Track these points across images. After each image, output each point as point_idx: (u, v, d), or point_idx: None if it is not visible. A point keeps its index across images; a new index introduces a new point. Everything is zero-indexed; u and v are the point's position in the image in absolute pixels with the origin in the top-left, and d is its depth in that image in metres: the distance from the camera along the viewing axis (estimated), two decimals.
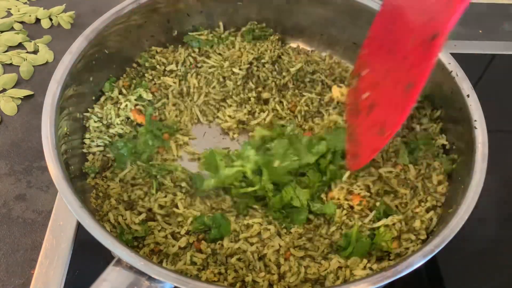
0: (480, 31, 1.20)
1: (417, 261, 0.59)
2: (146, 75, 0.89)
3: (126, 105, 0.83)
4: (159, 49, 0.92)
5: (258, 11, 0.96)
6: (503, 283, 0.77)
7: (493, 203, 0.87)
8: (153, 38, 0.91)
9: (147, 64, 0.89)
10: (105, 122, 0.81)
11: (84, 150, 0.79)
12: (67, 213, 0.78)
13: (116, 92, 0.85)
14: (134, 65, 0.90)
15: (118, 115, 0.82)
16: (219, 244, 0.69)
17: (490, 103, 1.02)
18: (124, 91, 0.86)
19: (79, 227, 0.76)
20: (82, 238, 0.75)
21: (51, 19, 1.11)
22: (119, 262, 0.57)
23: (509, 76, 1.08)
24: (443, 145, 0.81)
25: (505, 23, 1.23)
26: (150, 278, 0.55)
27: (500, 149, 0.95)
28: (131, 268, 0.56)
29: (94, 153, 0.79)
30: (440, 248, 0.61)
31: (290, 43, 0.99)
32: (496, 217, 0.85)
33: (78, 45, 0.76)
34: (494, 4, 1.28)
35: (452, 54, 0.80)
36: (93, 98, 0.84)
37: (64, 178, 0.63)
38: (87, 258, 0.73)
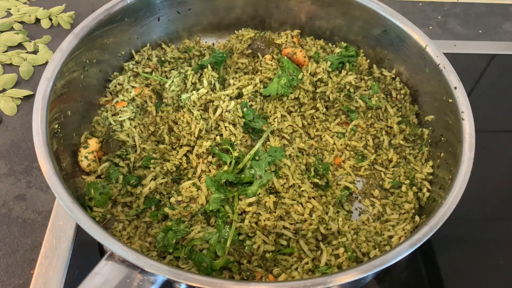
0: (480, 31, 1.20)
1: (404, 250, 0.59)
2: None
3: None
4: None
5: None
6: (503, 283, 0.77)
7: (494, 203, 0.87)
8: (144, 36, 0.92)
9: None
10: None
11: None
12: (66, 213, 0.77)
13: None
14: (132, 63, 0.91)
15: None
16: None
17: (490, 103, 1.03)
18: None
19: (79, 227, 0.76)
20: (81, 238, 0.75)
21: (51, 19, 1.11)
22: (112, 256, 0.56)
23: (509, 76, 1.08)
24: (431, 136, 0.82)
25: (505, 23, 1.23)
26: (142, 271, 0.55)
27: (500, 149, 0.95)
28: (123, 261, 0.56)
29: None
30: (428, 237, 0.60)
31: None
32: (496, 217, 0.85)
33: (68, 43, 0.76)
34: (494, 4, 1.28)
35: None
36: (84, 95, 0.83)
37: (55, 173, 0.62)
38: (87, 258, 0.73)
